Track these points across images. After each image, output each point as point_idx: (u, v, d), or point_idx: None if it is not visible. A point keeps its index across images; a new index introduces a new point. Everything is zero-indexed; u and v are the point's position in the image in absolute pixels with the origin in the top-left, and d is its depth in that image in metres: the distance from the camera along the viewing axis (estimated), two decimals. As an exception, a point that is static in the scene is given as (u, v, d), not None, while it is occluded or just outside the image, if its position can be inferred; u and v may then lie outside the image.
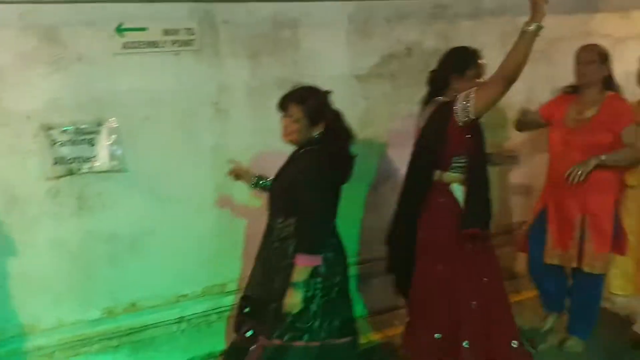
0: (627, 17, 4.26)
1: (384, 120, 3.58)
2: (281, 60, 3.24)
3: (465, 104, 2.63)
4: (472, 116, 2.64)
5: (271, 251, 2.56)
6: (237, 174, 2.88)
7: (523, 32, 2.57)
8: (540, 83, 3.69)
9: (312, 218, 2.42)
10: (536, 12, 2.58)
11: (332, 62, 3.39)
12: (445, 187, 2.81)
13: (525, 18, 4.03)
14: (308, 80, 3.28)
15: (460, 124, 2.67)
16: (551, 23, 3.95)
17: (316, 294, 2.47)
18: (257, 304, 2.61)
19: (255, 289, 2.64)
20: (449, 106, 2.70)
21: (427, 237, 2.85)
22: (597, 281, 3.24)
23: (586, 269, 3.17)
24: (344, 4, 3.36)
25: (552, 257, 3.26)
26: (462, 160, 2.78)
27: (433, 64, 3.63)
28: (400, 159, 3.20)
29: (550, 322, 3.50)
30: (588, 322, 3.36)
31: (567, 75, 3.37)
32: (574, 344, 3.37)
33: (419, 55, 3.60)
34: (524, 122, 3.43)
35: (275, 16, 3.20)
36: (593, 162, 2.96)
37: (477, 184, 2.81)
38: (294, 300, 2.43)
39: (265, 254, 2.61)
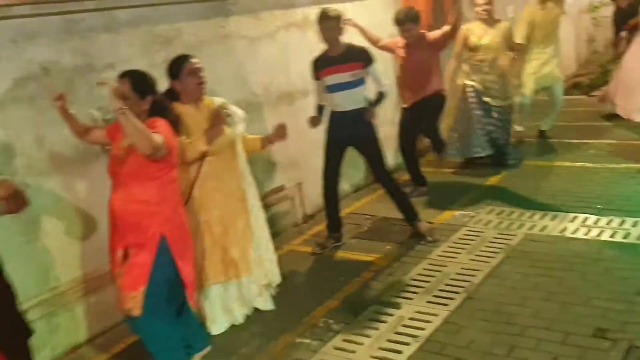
0: (258, 18, 4.67)
1: (34, 146, 3.33)
2: None
3: None
4: None
5: None
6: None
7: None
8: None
9: None
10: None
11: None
12: None
13: (165, 26, 4.14)
14: None
15: None
16: (191, 29, 4.17)
17: None
18: None
19: None
20: None
21: None
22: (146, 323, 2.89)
23: (124, 310, 2.89)
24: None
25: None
26: None
27: (77, 81, 3.50)
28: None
29: None
30: (197, 335, 3.21)
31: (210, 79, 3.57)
32: None
33: (59, 73, 3.40)
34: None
35: None
36: None
37: None
38: None
39: None
